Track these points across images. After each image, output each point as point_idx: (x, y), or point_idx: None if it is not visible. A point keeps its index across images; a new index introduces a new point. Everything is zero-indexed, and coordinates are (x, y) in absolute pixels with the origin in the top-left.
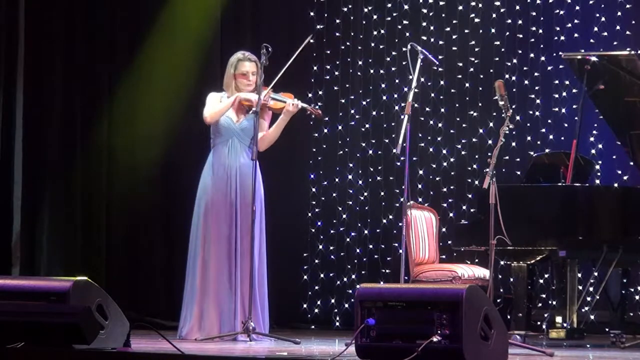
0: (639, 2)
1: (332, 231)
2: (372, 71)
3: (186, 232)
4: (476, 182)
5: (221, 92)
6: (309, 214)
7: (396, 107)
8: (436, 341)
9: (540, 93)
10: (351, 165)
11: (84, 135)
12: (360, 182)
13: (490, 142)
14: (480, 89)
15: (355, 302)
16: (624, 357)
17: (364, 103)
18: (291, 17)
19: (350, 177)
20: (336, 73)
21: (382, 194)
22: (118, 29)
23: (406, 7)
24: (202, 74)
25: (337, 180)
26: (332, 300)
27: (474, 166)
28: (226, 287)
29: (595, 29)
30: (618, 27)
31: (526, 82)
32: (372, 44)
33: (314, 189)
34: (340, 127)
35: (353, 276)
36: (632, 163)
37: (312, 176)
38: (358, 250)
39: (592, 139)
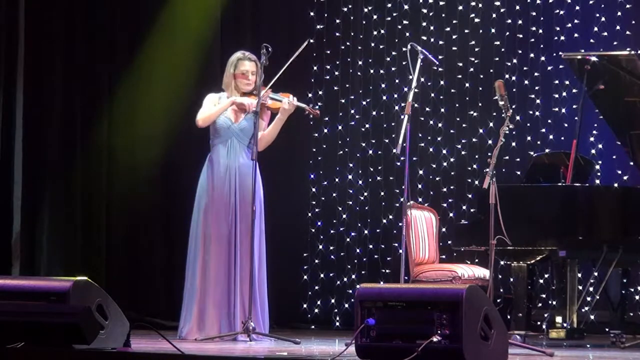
0: (639, 2)
1: (332, 231)
2: (372, 71)
3: (186, 232)
4: (476, 182)
5: (220, 92)
6: (309, 214)
7: (396, 107)
8: (436, 341)
9: (540, 93)
10: (351, 165)
11: (84, 135)
12: (360, 182)
13: (490, 142)
14: (480, 89)
15: (355, 302)
16: (624, 357)
17: (364, 103)
18: (291, 17)
19: (350, 177)
20: (336, 73)
21: (382, 194)
22: (118, 29)
23: (406, 7)
24: (202, 74)
25: (337, 180)
26: (332, 300)
27: (474, 166)
28: (226, 287)
29: (595, 29)
30: (618, 27)
31: (526, 82)
32: (372, 44)
33: (314, 189)
34: (340, 127)
35: (353, 276)
36: (632, 163)
37: (312, 176)
38: (358, 250)
39: (592, 139)
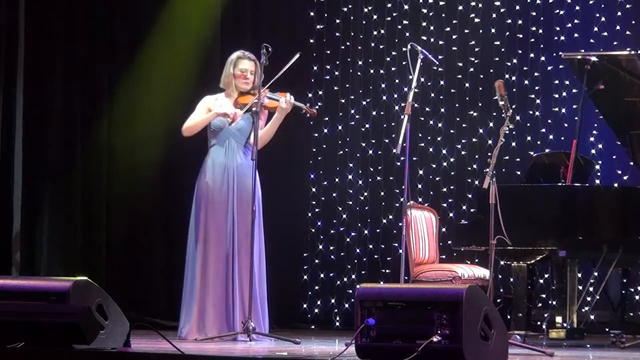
0: (639, 2)
1: (332, 231)
2: (372, 71)
3: (186, 232)
4: (476, 182)
5: (217, 93)
6: (309, 214)
7: (396, 107)
8: (436, 341)
9: (540, 93)
10: (351, 165)
11: (84, 135)
12: (360, 182)
13: (490, 142)
14: (480, 89)
15: (355, 302)
16: (624, 357)
17: (364, 103)
18: (291, 17)
19: (350, 177)
20: (336, 73)
21: (382, 194)
22: (118, 29)
23: (406, 7)
24: (202, 74)
25: (337, 180)
26: (332, 300)
27: (474, 166)
28: (226, 287)
29: (595, 29)
30: (618, 27)
31: (526, 82)
32: (372, 44)
33: (314, 189)
34: (340, 127)
35: (353, 276)
36: (632, 163)
37: (312, 176)
38: (358, 250)
39: (592, 139)
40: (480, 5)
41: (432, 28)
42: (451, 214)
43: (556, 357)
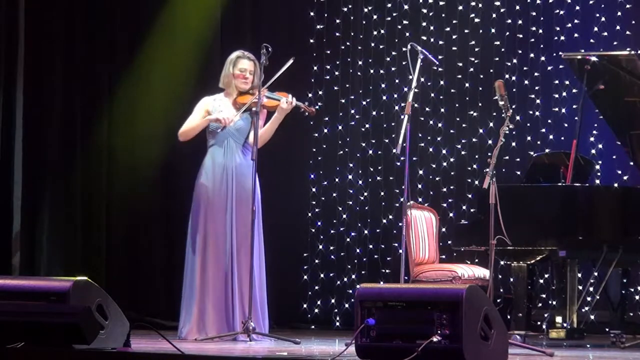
0: (639, 2)
1: (332, 231)
2: (372, 71)
3: (186, 232)
4: (476, 182)
5: (216, 93)
6: (309, 214)
7: (396, 107)
8: (436, 341)
9: (540, 93)
10: (351, 165)
11: (84, 135)
12: (360, 182)
13: (490, 142)
14: (480, 89)
15: (355, 302)
16: (624, 357)
17: (364, 103)
18: (291, 17)
19: (350, 177)
20: (336, 73)
21: (382, 194)
22: (118, 29)
23: (406, 7)
24: (202, 74)
25: (337, 180)
26: (332, 300)
27: (474, 166)
28: (225, 287)
29: (595, 29)
30: (618, 27)
31: (526, 82)
32: (372, 44)
33: (314, 189)
34: (340, 127)
35: (353, 276)
36: (632, 163)
37: (312, 176)
38: (358, 250)
39: (592, 139)
40: (480, 5)
41: (432, 28)
42: (451, 214)
43: (556, 357)
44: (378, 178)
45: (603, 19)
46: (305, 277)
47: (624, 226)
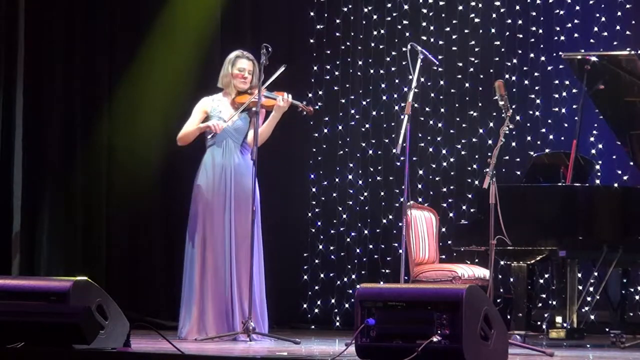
0: (639, 2)
1: (332, 231)
2: (372, 71)
3: (186, 232)
4: (476, 182)
5: (215, 93)
6: (309, 214)
7: (396, 107)
8: (436, 341)
9: (540, 93)
10: (351, 165)
11: (84, 135)
12: (360, 182)
13: (490, 142)
14: (480, 89)
15: (355, 302)
16: (624, 357)
17: (364, 103)
18: (291, 17)
19: (350, 177)
20: (336, 73)
21: (382, 194)
22: (118, 29)
23: (406, 7)
24: (202, 74)
25: (337, 180)
26: (332, 300)
27: (474, 166)
28: (225, 286)
29: (595, 29)
30: (618, 27)
31: (526, 82)
32: (372, 44)
33: (314, 189)
34: (340, 127)
35: (353, 276)
36: (632, 163)
37: (312, 176)
38: (358, 250)
39: (592, 139)
40: (480, 5)
41: (432, 28)
42: (451, 214)
43: (556, 357)
44: (378, 178)
45: (603, 19)
46: (305, 277)
47: (624, 226)
